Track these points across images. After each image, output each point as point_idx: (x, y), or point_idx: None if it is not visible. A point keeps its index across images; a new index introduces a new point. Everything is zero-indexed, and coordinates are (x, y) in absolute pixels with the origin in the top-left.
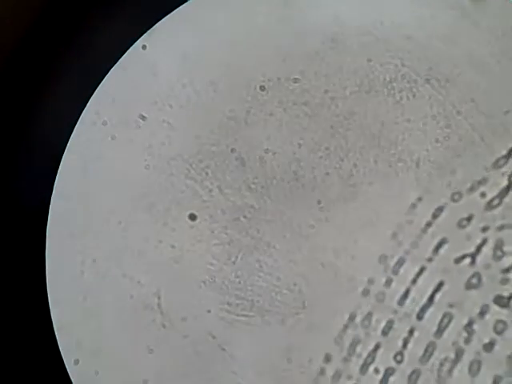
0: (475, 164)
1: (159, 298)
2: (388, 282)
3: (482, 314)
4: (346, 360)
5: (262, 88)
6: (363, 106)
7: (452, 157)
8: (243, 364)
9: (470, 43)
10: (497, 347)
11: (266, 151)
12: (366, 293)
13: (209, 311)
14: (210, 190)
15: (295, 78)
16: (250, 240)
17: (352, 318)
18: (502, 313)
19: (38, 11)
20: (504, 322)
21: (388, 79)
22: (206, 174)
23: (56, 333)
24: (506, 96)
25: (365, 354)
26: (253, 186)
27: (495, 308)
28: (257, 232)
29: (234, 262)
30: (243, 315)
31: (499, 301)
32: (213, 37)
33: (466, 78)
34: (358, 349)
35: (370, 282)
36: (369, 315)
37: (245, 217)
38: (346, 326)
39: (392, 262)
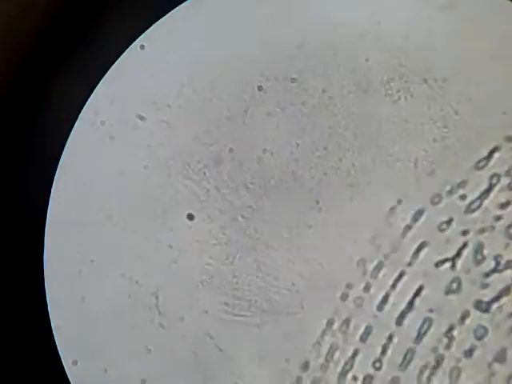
0: (456, 165)
1: (157, 298)
2: (367, 287)
3: (462, 319)
4: (323, 367)
5: (260, 88)
6: (361, 105)
7: (449, 156)
8: (241, 364)
9: (468, 43)
10: (477, 353)
11: (263, 151)
12: (344, 297)
13: (206, 311)
14: (208, 190)
15: (293, 78)
16: (247, 240)
17: (330, 323)
18: (482, 318)
19: (36, 11)
20: (484, 328)
21: (385, 79)
22: (204, 173)
23: (54, 333)
24: (504, 96)
25: (343, 361)
26: (251, 186)
27: (475, 313)
28: (255, 232)
29: (231, 262)
30: (241, 315)
31: (479, 306)
32: (211, 37)
33: (463, 78)
34: (336, 356)
35: (348, 286)
36: (347, 321)
37: (243, 217)
38: (324, 332)
39: (371, 267)
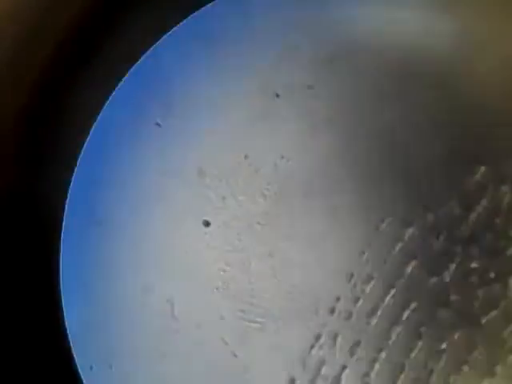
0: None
1: (173, 304)
2: (355, 300)
3: (452, 333)
4: (311, 382)
5: (277, 95)
6: (377, 112)
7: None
8: (255, 370)
9: (473, 49)
10: (467, 367)
11: (280, 158)
12: (332, 311)
13: (222, 317)
14: (224, 197)
15: (310, 86)
16: (263, 247)
17: (317, 337)
18: (472, 331)
19: (56, 20)
20: (474, 341)
21: (399, 85)
22: (220, 180)
23: (70, 338)
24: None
25: (331, 377)
26: (266, 193)
27: (465, 327)
28: (270, 239)
29: (247, 269)
30: (256, 322)
31: (469, 319)
32: (226, 44)
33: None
34: (324, 370)
35: (337, 299)
36: (335, 335)
37: (258, 223)
38: (311, 346)
39: (359, 280)
